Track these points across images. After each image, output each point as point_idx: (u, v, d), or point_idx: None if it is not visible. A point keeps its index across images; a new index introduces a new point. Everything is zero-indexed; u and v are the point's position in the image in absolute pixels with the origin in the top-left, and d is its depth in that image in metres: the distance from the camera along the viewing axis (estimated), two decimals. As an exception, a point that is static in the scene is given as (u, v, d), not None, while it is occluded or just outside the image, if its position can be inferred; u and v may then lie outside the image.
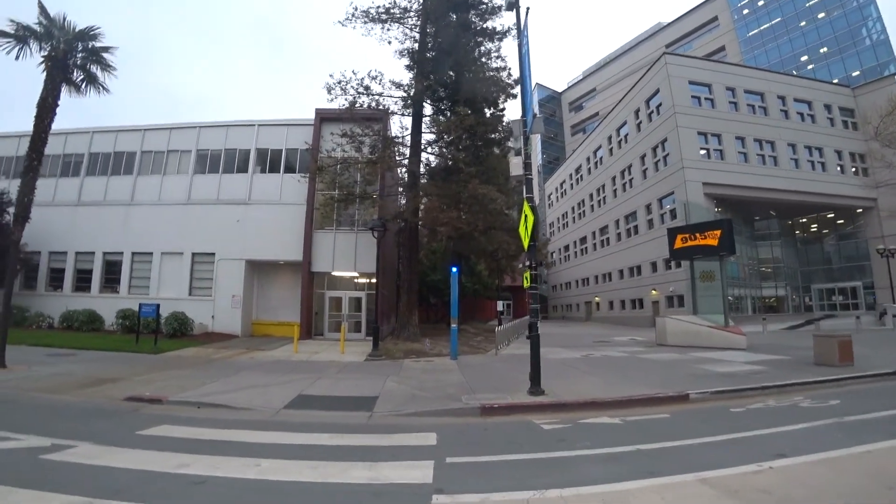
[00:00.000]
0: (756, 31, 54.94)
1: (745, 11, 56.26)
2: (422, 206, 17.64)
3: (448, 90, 19.26)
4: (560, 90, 79.88)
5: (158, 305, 16.36)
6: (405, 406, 7.57)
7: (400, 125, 18.66)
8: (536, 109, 70.20)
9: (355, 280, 22.08)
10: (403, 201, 20.68)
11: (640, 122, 39.23)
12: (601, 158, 47.31)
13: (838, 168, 37.75)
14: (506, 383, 9.69)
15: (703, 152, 34.10)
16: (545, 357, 15.35)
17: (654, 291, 35.68)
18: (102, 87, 13.50)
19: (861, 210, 38.59)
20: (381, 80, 17.67)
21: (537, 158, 69.61)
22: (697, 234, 18.69)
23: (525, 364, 12.80)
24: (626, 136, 41.99)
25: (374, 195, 18.73)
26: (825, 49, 50.38)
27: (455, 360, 13.51)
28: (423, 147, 18.40)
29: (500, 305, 23.20)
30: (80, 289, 23.57)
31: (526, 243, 8.77)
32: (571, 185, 55.94)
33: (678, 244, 19.42)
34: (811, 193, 36.20)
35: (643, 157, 38.42)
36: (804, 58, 51.30)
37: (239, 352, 15.48)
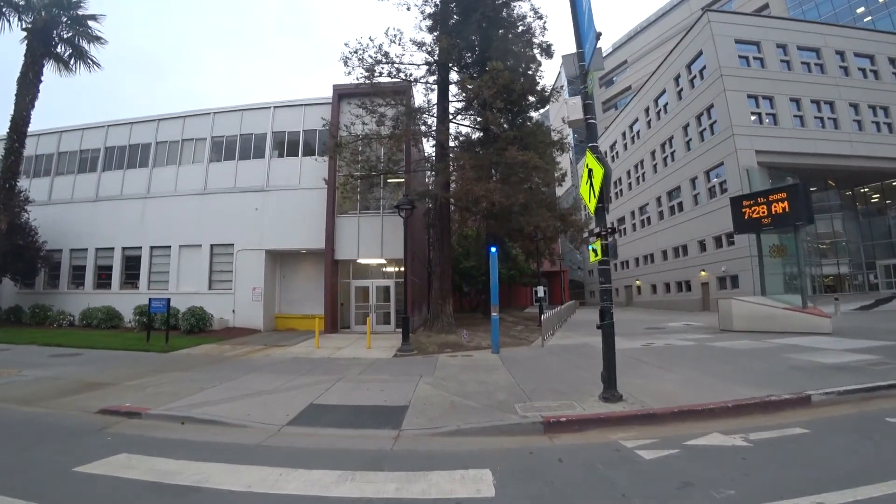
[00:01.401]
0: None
1: None
2: (452, 180, 15.76)
3: (476, 54, 17.24)
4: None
5: (169, 300, 15.12)
6: (443, 420, 5.82)
7: (424, 97, 16.70)
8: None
9: (383, 268, 20.49)
10: (432, 178, 18.84)
11: (682, 90, 36.23)
12: (638, 132, 44.33)
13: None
14: (566, 384, 7.84)
15: (754, 118, 31.07)
16: (595, 347, 13.41)
17: (703, 272, 32.95)
18: (92, 61, 12.24)
19: (932, 176, 34.82)
20: (400, 39, 15.80)
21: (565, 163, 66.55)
22: (766, 201, 16.24)
23: (582, 357, 11.23)
24: (665, 107, 38.98)
25: (399, 172, 16.95)
26: (862, 10, 45.81)
27: (497, 355, 11.71)
28: (451, 116, 16.48)
29: (540, 291, 21.17)
30: (101, 286, 22.84)
31: (593, 206, 6.84)
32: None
33: (744, 215, 16.98)
34: (877, 158, 32.63)
35: (686, 128, 35.49)
36: (860, 9, 46.67)
37: (256, 348, 14.09)
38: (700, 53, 33.41)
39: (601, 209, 6.86)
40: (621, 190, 48.56)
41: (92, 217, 23.30)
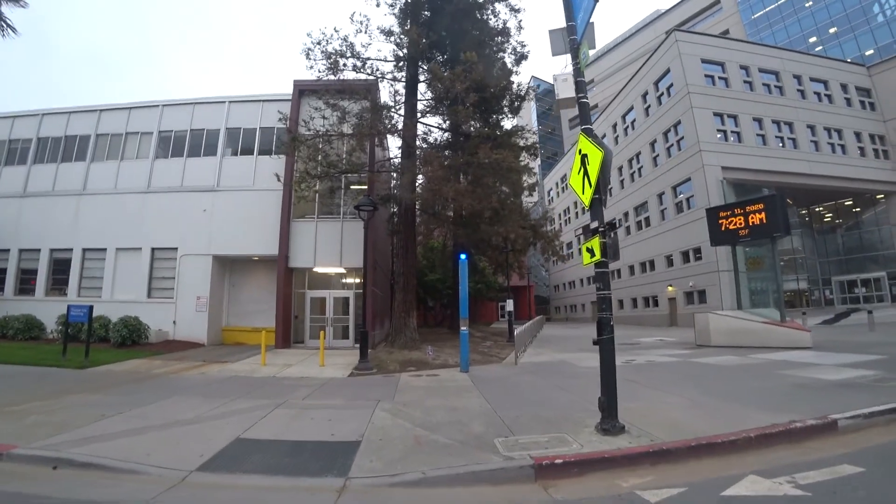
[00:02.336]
0: (761, 12, 52.40)
1: None
2: (419, 181, 14.55)
3: (447, 55, 16.22)
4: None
5: (91, 307, 13.15)
6: (405, 463, 4.49)
7: (391, 95, 15.41)
8: (533, 104, 67.35)
9: (342, 278, 18.94)
10: (396, 182, 17.56)
11: (649, 106, 36.50)
12: (605, 148, 44.39)
13: (859, 150, 35.25)
14: (553, 410, 6.65)
15: (719, 135, 31.37)
16: (575, 364, 12.42)
17: (670, 287, 32.78)
18: (7, 24, 10.37)
19: (883, 196, 36.17)
20: (367, 27, 14.58)
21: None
22: (744, 212, 15.77)
23: (562, 376, 9.88)
24: (632, 123, 39.24)
25: (361, 174, 15.59)
26: (835, 29, 47.95)
27: (467, 374, 10.44)
28: (420, 114, 15.31)
29: (509, 304, 20.11)
30: (25, 291, 20.38)
31: (588, 197, 5.76)
32: (573, 178, 53.07)
33: (721, 226, 16.47)
34: (832, 178, 33.66)
35: (653, 144, 35.65)
36: (813, 39, 48.85)
37: (191, 365, 12.33)
38: (668, 71, 33.70)
39: (598, 201, 5.79)
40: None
41: (18, 214, 20.87)
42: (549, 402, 7.26)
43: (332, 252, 17.87)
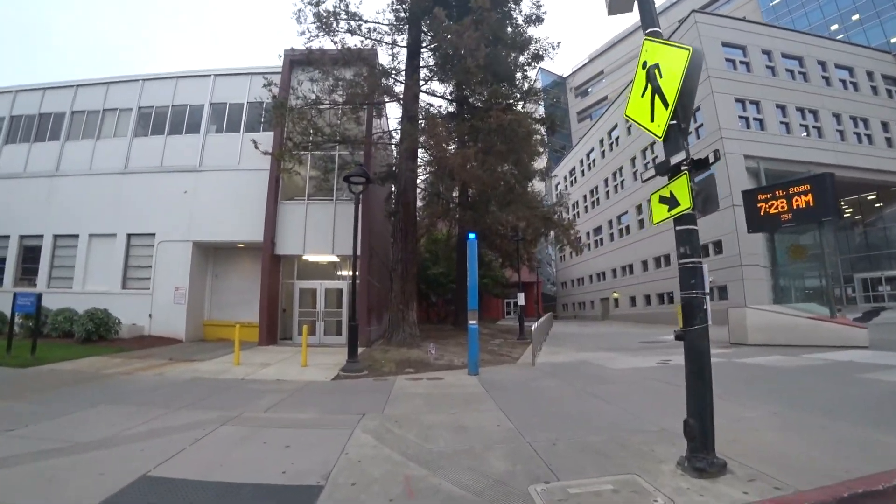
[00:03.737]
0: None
1: None
2: (422, 147, 12.68)
3: (454, 12, 14.35)
4: (564, 75, 75.01)
5: (40, 296, 11.45)
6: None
7: (391, 57, 13.49)
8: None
9: (335, 267, 17.17)
10: (395, 158, 15.68)
11: (665, 93, 34.52)
12: (617, 139, 42.53)
13: (886, 141, 33.33)
14: (597, 430, 4.83)
15: (741, 122, 29.43)
16: (602, 366, 10.61)
17: (687, 283, 30.82)
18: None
19: (909, 190, 34.20)
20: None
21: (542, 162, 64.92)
22: (786, 195, 13.93)
23: (591, 380, 8.00)
24: (647, 110, 37.22)
25: (357, 143, 13.73)
26: (858, 16, 45.97)
27: (477, 377, 8.63)
28: (423, 81, 13.44)
29: (520, 298, 18.31)
30: (-8, 281, 18.70)
31: (663, 123, 4.02)
32: (583, 171, 51.25)
33: (759, 210, 14.63)
34: (859, 169, 31.58)
35: (669, 132, 33.66)
36: (835, 26, 46.87)
37: (153, 364, 10.58)
38: (683, 56, 31.75)
39: (676, 129, 4.02)
40: (598, 199, 46.74)
41: (-12, 198, 19.21)
42: (590, 417, 5.45)
43: (324, 238, 16.08)
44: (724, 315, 25.64)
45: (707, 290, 3.81)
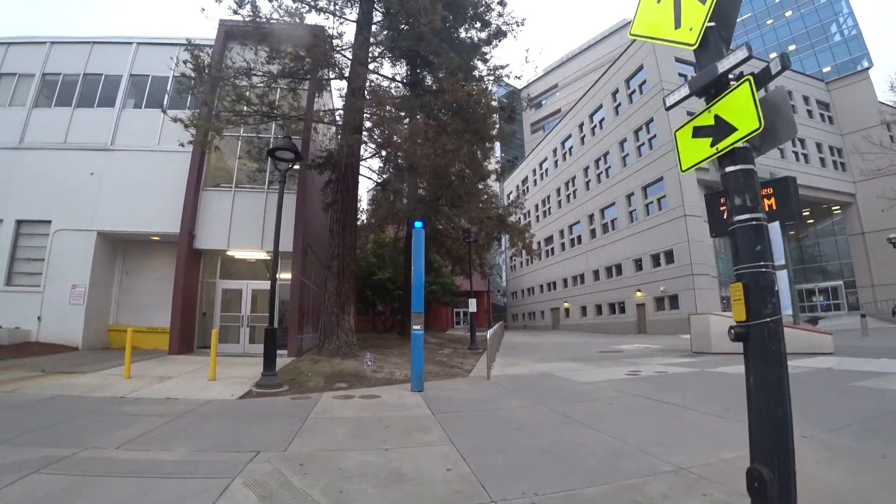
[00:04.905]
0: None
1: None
2: (367, 121, 10.94)
3: None
4: (519, 87, 75.35)
5: None
6: None
7: (338, 32, 11.76)
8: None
9: (267, 266, 15.12)
10: (337, 142, 13.85)
11: (619, 105, 34.77)
12: (570, 149, 42.53)
13: (820, 161, 35.07)
14: (592, 475, 3.38)
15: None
16: (568, 379, 9.26)
17: (638, 293, 30.69)
18: None
19: (839, 207, 36.09)
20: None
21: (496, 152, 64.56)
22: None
23: (560, 399, 6.51)
24: (600, 122, 37.40)
25: (292, 118, 11.82)
26: (794, 46, 48.90)
27: (421, 395, 7.02)
28: (373, 56, 11.79)
29: (472, 305, 16.92)
30: None
31: (698, 31, 2.66)
32: (535, 181, 51.10)
33: (724, 214, 13.96)
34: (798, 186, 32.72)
35: (623, 143, 33.84)
36: (773, 55, 49.57)
37: (15, 377, 8.28)
38: (641, 68, 32.07)
39: (715, 33, 2.73)
40: (549, 209, 46.60)
41: None
42: (573, 451, 4.00)
43: (253, 232, 14.03)
44: (675, 324, 25.59)
45: (783, 262, 2.41)
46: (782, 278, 2.21)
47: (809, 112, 36.46)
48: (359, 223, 31.48)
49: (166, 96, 15.74)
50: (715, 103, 2.64)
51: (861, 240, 33.73)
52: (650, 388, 7.33)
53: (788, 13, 49.77)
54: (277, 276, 14.56)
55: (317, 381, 8.12)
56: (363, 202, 30.34)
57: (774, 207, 12.99)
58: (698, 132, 2.79)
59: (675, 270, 27.41)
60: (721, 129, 2.59)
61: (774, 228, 2.34)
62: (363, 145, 12.33)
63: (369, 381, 8.31)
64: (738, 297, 2.38)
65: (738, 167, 2.53)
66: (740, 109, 2.46)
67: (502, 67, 11.75)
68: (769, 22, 50.38)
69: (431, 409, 5.93)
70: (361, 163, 13.89)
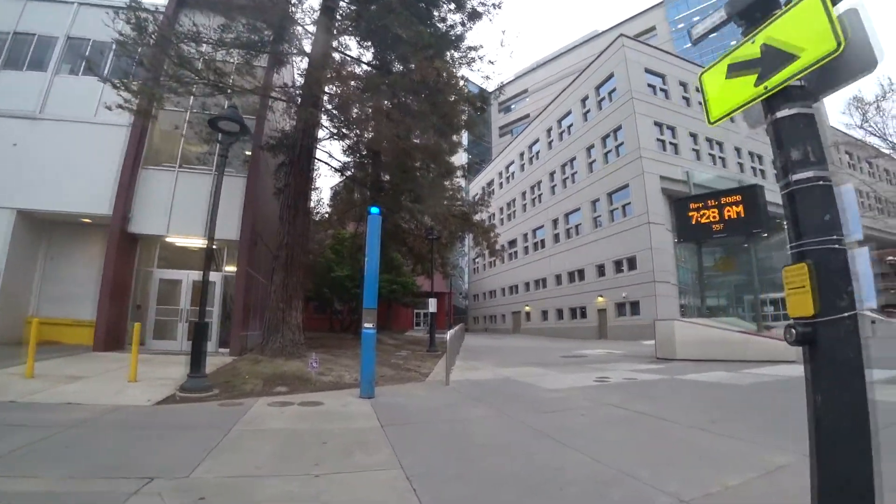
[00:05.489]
0: (691, 45, 54.68)
1: (680, 26, 56.85)
2: (327, 93, 9.96)
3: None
4: (490, 89, 75.39)
5: None
6: None
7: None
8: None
9: (214, 253, 13.88)
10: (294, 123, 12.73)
11: (588, 111, 34.86)
12: (537, 153, 42.47)
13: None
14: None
15: (658, 144, 30.12)
16: (533, 385, 8.54)
17: (600, 298, 30.72)
18: None
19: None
20: None
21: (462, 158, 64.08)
22: (718, 205, 13.22)
23: (527, 408, 5.82)
24: (569, 128, 37.44)
25: (250, 91, 10.69)
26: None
27: (371, 402, 6.17)
28: (335, 32, 10.79)
29: (431, 304, 16.19)
30: None
31: None
32: (501, 183, 50.90)
33: (691, 219, 13.80)
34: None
35: (590, 149, 33.92)
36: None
37: None
38: (611, 76, 32.26)
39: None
40: (514, 212, 46.45)
41: None
42: (551, 477, 3.29)
43: (197, 217, 12.72)
44: (636, 330, 25.65)
45: (860, 236, 1.72)
46: (862, 258, 1.71)
47: (767, 130, 37.53)
48: (319, 217, 30.17)
49: (106, 63, 14.26)
50: (765, 26, 1.97)
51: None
52: (622, 397, 6.76)
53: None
54: (224, 267, 13.46)
55: (254, 385, 7.15)
56: (325, 196, 29.00)
57: (743, 215, 12.94)
58: (736, 70, 2.13)
59: (636, 277, 27.51)
60: (772, 60, 1.93)
61: (849, 192, 1.85)
62: (322, 128, 11.38)
63: (314, 384, 7.40)
64: (802, 284, 1.71)
65: (797, 110, 1.88)
66: (806, 26, 1.80)
67: (475, 49, 11.03)
68: (733, 43, 52.25)
69: (380, 420, 5.11)
70: (320, 146, 12.90)
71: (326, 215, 24.96)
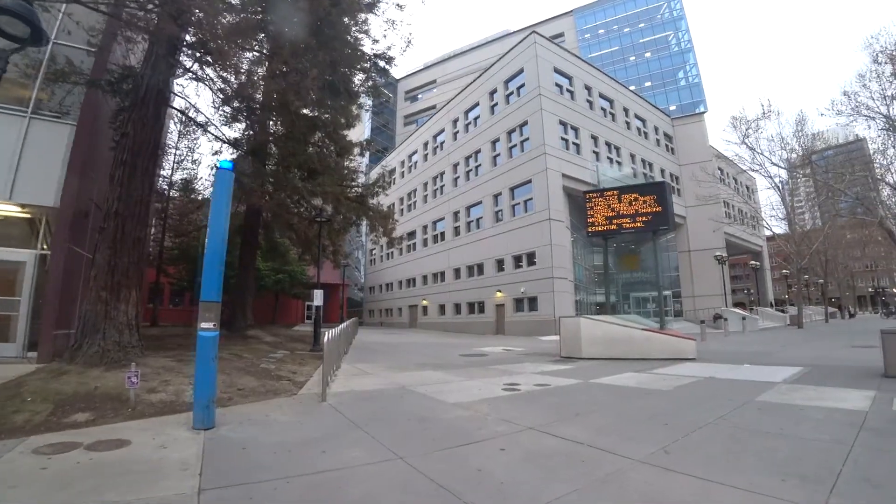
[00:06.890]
0: (596, 54, 58.12)
1: (587, 36, 59.71)
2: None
3: None
4: (398, 77, 73.21)
5: None
6: None
7: None
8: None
9: (20, 226, 10.53)
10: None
11: (496, 105, 34.48)
12: (442, 143, 41.45)
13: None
14: None
15: (562, 143, 30.54)
16: (434, 399, 6.96)
17: (499, 293, 30.47)
18: None
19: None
20: None
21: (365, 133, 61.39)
22: (631, 200, 12.88)
23: (426, 438, 4.38)
24: (475, 120, 36.83)
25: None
26: (650, 83, 55.06)
27: (206, 436, 4.24)
28: None
29: (317, 297, 14.15)
30: None
31: None
32: (403, 172, 49.18)
33: (602, 215, 13.32)
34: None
35: (495, 142, 33.57)
36: (632, 87, 54.96)
37: None
38: (521, 71, 32.05)
39: None
40: (415, 203, 45.11)
41: None
42: None
43: (2, 172, 9.52)
44: (533, 325, 25.61)
45: None
46: None
47: (658, 141, 40.39)
48: (196, 196, 26.11)
49: None
50: None
51: (687, 256, 38.56)
52: (543, 415, 5.54)
53: (648, 54, 56.52)
54: (42, 244, 10.27)
55: (34, 412, 4.82)
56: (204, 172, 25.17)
57: (652, 212, 12.70)
58: None
59: (536, 272, 27.53)
60: None
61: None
62: (186, 71, 8.82)
63: (134, 407, 5.23)
64: None
65: None
66: None
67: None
68: (632, 59, 56.46)
69: (203, 477, 3.25)
70: (193, 101, 10.22)
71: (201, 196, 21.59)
